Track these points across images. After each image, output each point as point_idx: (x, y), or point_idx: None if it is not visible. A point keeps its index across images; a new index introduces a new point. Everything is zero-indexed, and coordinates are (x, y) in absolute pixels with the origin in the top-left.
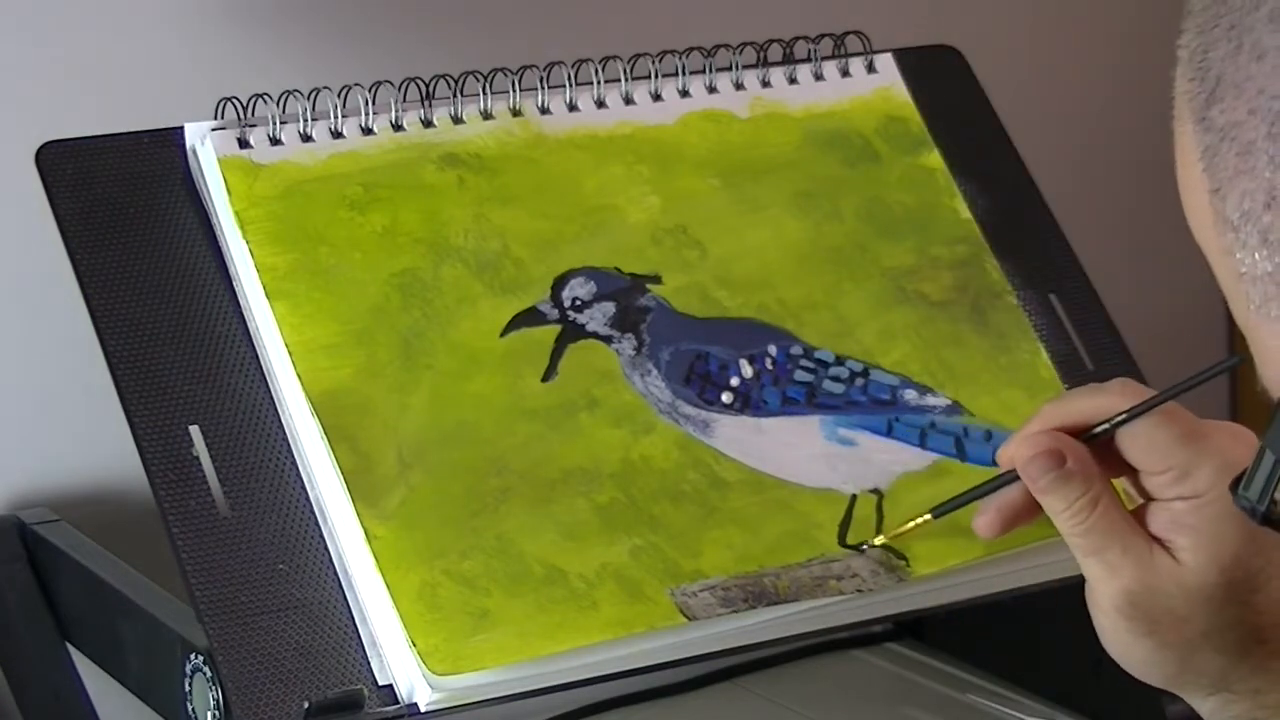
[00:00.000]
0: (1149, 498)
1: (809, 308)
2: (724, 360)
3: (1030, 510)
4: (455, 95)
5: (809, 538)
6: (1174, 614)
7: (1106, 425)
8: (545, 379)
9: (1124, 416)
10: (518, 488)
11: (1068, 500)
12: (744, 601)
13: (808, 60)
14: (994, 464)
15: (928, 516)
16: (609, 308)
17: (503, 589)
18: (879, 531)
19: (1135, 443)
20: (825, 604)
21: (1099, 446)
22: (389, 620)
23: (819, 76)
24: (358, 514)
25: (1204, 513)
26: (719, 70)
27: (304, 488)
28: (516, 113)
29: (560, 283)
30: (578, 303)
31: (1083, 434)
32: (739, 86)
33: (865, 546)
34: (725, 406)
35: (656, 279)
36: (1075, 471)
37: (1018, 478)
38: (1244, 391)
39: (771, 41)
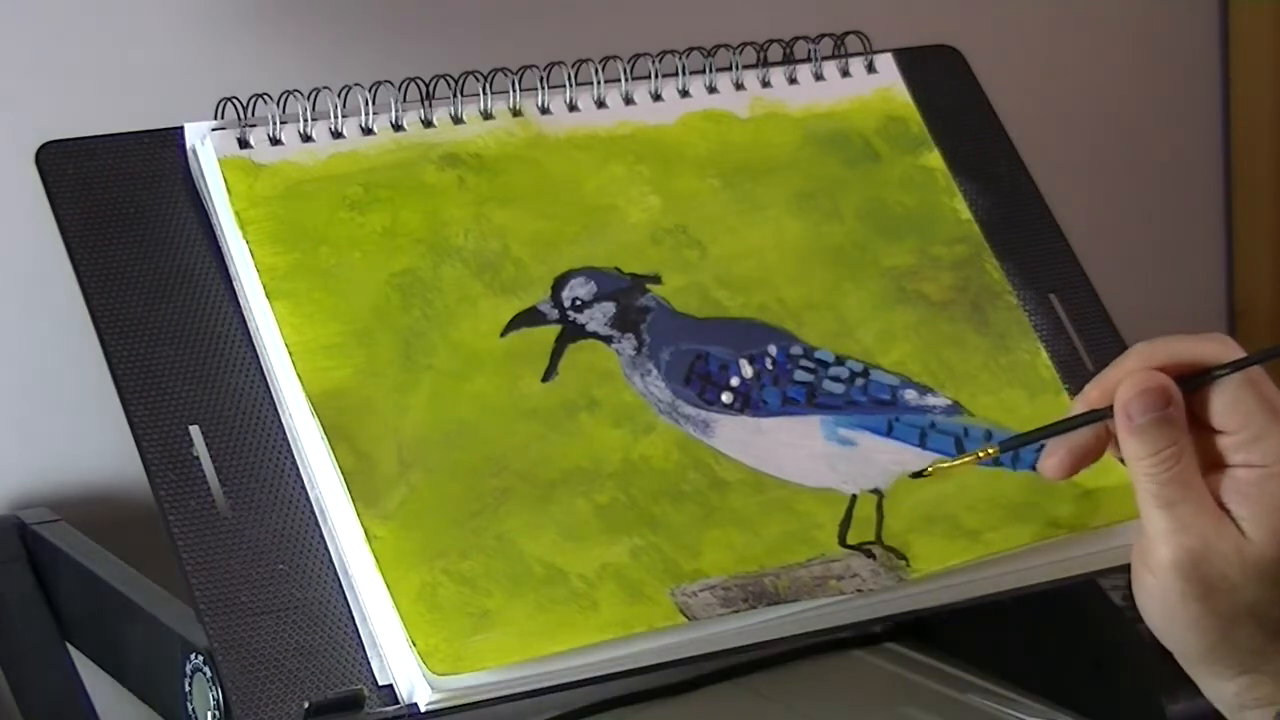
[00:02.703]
0: (1215, 463)
1: (809, 308)
2: (724, 360)
3: (1097, 453)
4: (455, 95)
5: (809, 538)
6: (1228, 581)
7: (1213, 373)
8: (545, 379)
9: (1229, 368)
10: (518, 488)
11: (1158, 445)
12: (744, 601)
13: (808, 60)
14: (993, 465)
15: (992, 449)
16: (609, 308)
17: (503, 589)
18: (879, 532)
19: (1223, 397)
20: (825, 604)
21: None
22: (389, 620)
23: (819, 76)
24: (358, 514)
25: (1269, 485)
26: (719, 70)
27: (304, 488)
28: (516, 113)
29: (560, 283)
30: (578, 303)
31: (1185, 380)
32: (739, 86)
33: (926, 472)
34: (725, 406)
35: (656, 279)
36: (1175, 417)
37: (1096, 419)
38: None
39: (771, 41)
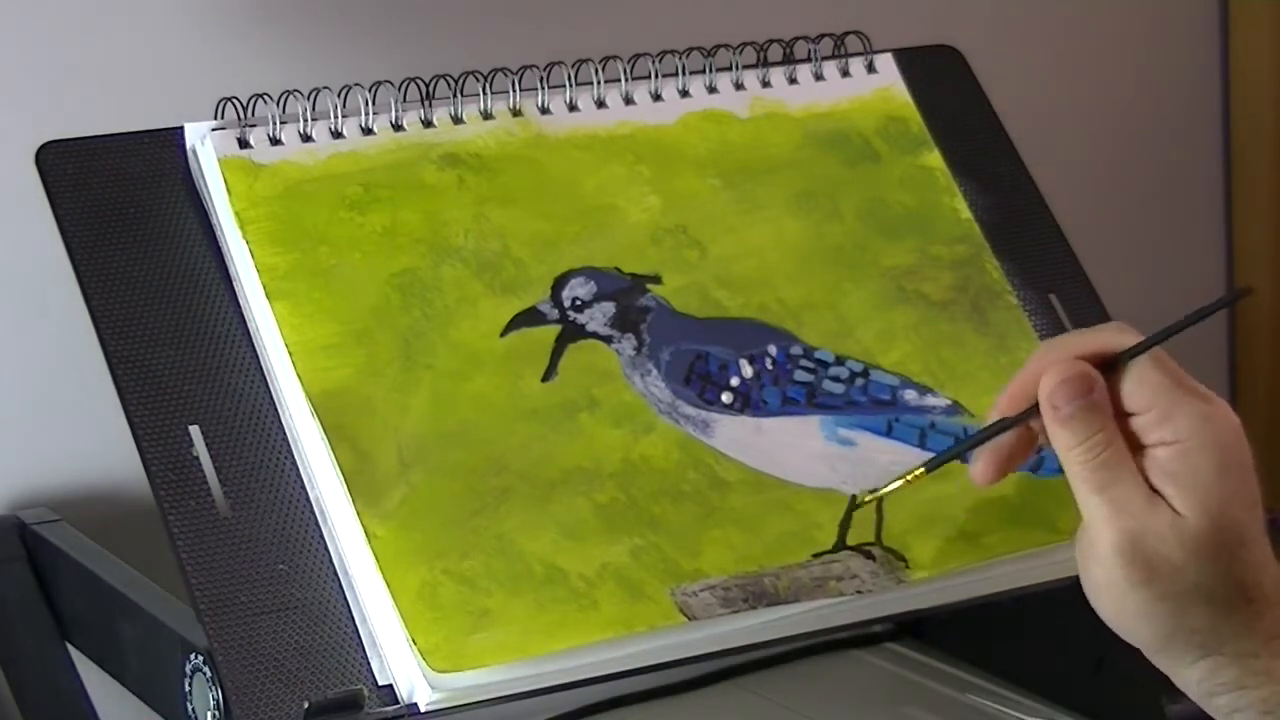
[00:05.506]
0: (1134, 445)
1: (809, 308)
2: (724, 360)
3: (1022, 453)
4: (455, 95)
5: (809, 538)
6: (1169, 562)
7: (1126, 355)
8: (545, 379)
9: (1141, 348)
10: (518, 487)
11: (1087, 433)
12: (744, 602)
13: (808, 60)
14: None
15: (920, 470)
16: (609, 308)
17: (503, 588)
18: (879, 533)
19: (1130, 379)
20: (825, 604)
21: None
22: (389, 620)
23: (819, 76)
24: (358, 513)
25: (1188, 460)
26: (719, 70)
27: (304, 488)
28: (516, 113)
29: (560, 283)
30: (578, 303)
31: (1100, 366)
32: (739, 86)
33: (861, 500)
34: (725, 406)
35: (656, 279)
36: (1100, 402)
37: (1022, 420)
38: (1243, 390)
39: (771, 41)
